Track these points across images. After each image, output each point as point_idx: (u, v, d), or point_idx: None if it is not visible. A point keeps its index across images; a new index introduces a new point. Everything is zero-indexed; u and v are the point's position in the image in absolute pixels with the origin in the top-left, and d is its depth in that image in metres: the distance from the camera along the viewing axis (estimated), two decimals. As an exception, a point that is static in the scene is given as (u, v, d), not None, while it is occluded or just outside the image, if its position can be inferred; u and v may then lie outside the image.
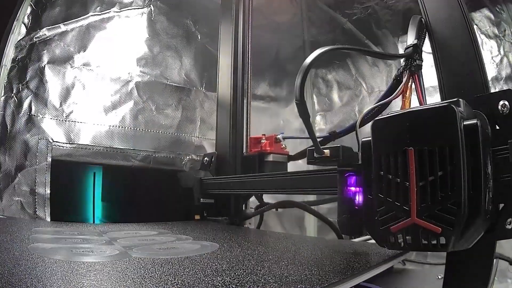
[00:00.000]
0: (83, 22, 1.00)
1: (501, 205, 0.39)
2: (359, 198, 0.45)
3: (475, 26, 0.96)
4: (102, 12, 1.03)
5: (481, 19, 0.98)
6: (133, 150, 1.04)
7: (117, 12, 1.07)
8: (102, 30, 1.03)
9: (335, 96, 1.43)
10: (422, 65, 0.52)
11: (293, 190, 0.68)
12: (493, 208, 0.38)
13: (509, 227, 0.38)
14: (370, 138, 0.41)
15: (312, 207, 0.93)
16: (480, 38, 0.98)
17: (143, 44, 1.12)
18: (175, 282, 0.32)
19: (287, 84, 1.50)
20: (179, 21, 1.21)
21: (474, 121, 0.35)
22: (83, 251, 0.46)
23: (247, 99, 1.00)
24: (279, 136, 0.91)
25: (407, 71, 0.51)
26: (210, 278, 0.35)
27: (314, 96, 1.47)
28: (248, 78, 1.01)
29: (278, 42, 1.47)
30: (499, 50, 0.97)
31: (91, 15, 1.01)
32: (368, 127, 0.42)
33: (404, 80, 0.51)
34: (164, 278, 0.34)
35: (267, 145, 0.90)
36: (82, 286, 0.30)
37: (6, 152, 0.83)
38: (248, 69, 1.02)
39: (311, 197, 1.41)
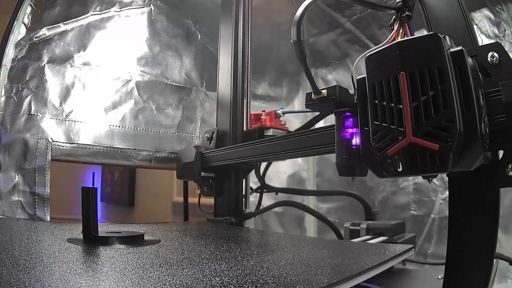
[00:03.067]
0: (83, 21, 0.99)
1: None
2: (356, 139, 0.47)
3: (475, 26, 0.96)
4: (102, 12, 1.03)
5: (481, 19, 0.98)
6: (133, 150, 1.04)
7: (117, 11, 1.07)
8: (102, 29, 1.03)
9: (335, 96, 1.43)
10: (411, 16, 0.54)
11: (293, 151, 0.68)
12: (493, 154, 0.40)
13: (511, 173, 0.39)
14: (364, 75, 0.43)
15: (311, 207, 0.94)
16: (480, 38, 0.98)
17: (143, 43, 1.12)
18: (173, 283, 0.32)
19: (287, 83, 1.50)
20: (179, 20, 1.21)
21: (460, 47, 0.38)
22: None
23: (247, 91, 1.01)
24: (279, 111, 0.92)
25: (398, 21, 0.54)
26: (208, 278, 0.34)
27: (314, 96, 1.47)
28: (248, 77, 1.02)
29: (278, 42, 1.46)
30: (499, 50, 0.97)
31: (91, 15, 1.01)
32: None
33: (396, 28, 0.54)
34: (163, 279, 0.34)
35: (267, 120, 0.92)
36: (80, 286, 0.30)
37: (5, 152, 0.83)
38: (248, 69, 1.02)
39: (312, 197, 1.41)
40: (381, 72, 0.41)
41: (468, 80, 0.37)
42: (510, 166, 0.39)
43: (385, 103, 0.39)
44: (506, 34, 0.96)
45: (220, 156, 0.90)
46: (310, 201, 1.40)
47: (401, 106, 0.38)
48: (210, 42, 1.25)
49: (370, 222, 0.82)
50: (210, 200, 1.03)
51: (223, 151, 0.90)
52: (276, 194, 1.13)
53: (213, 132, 1.00)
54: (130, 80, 1.07)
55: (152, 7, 1.14)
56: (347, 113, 0.49)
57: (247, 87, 1.01)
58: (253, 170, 1.03)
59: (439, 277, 0.63)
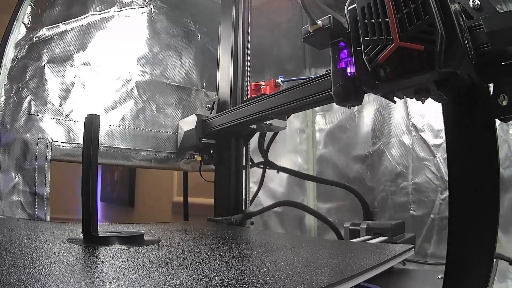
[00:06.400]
0: (83, 21, 0.99)
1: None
2: (350, 68, 0.52)
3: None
4: (102, 12, 1.03)
5: (482, 18, 0.98)
6: (133, 150, 1.04)
7: (117, 11, 1.07)
8: (102, 29, 1.03)
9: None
10: None
11: (289, 104, 0.71)
12: (484, 86, 0.45)
13: (504, 103, 0.43)
14: (354, 5, 0.49)
15: (311, 207, 0.93)
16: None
17: (143, 43, 1.12)
18: (173, 283, 0.32)
19: (287, 83, 1.49)
20: (179, 20, 1.21)
21: None
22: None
23: (247, 97, 1.01)
24: (279, 80, 0.94)
25: None
26: (208, 278, 0.34)
27: (314, 96, 1.47)
28: (248, 77, 1.02)
29: (278, 42, 1.46)
30: (499, 50, 0.97)
31: (91, 15, 1.01)
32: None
33: None
34: (163, 279, 0.34)
35: (267, 89, 0.93)
36: (80, 286, 0.30)
37: (5, 152, 0.83)
38: (248, 69, 1.02)
39: (312, 197, 1.41)
40: None
41: None
42: (502, 96, 0.43)
43: (373, 20, 0.45)
44: (506, 34, 0.96)
45: (221, 119, 0.92)
46: (310, 201, 1.40)
47: (387, 19, 0.43)
48: (210, 42, 1.25)
49: (370, 222, 0.82)
50: (210, 201, 1.03)
51: (223, 114, 0.92)
52: (278, 172, 1.16)
53: (214, 102, 1.02)
54: (130, 80, 1.07)
55: (152, 7, 1.14)
56: (342, 44, 0.53)
57: (247, 87, 1.01)
58: (258, 149, 1.04)
59: (439, 277, 0.63)
